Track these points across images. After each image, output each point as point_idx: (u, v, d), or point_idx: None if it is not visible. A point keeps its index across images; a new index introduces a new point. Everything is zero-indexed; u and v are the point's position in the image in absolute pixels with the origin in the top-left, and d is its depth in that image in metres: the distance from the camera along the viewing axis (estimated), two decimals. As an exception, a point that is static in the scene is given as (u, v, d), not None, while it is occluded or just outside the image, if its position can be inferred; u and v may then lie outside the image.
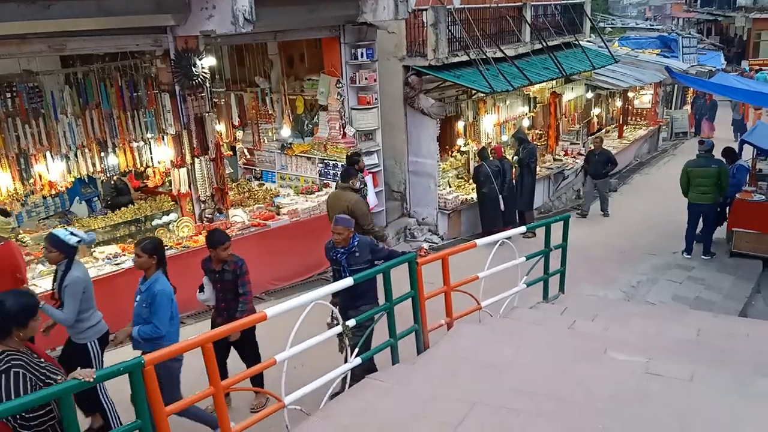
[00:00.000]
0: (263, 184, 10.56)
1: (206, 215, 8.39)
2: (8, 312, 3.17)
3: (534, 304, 6.67)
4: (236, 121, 10.43)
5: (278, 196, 9.75)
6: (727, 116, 19.42)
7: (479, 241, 6.04)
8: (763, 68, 25.44)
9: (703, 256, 9.67)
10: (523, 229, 6.77)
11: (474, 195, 10.90)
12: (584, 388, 4.37)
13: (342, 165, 9.53)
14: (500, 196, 10.18)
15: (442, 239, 10.72)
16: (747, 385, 4.35)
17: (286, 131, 10.45)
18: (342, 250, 5.40)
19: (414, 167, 10.91)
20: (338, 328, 4.59)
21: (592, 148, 12.59)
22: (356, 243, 5.41)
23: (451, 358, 5.05)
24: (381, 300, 5.16)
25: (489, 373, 4.67)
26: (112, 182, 8.63)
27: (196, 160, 8.14)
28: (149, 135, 7.96)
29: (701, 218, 9.64)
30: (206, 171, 8.24)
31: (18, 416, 3.09)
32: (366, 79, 9.69)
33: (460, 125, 11.77)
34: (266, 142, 10.85)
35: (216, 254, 5.33)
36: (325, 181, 9.98)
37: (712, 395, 4.23)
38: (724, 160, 9.98)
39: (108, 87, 7.63)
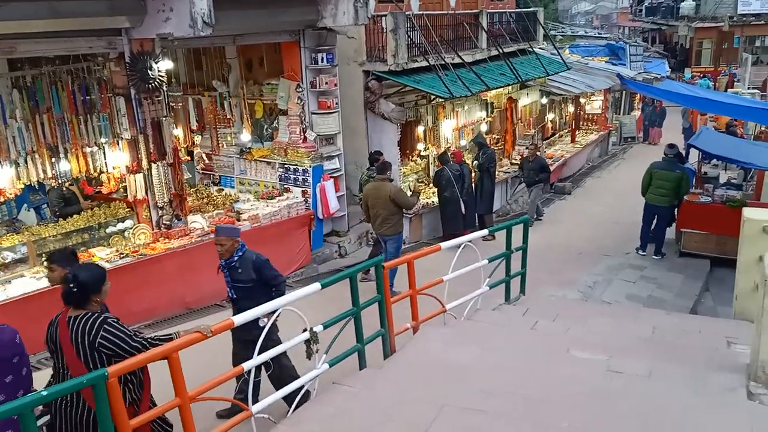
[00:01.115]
0: (222, 190, 10.40)
1: (164, 222, 8.20)
2: (84, 282, 3.60)
3: (496, 305, 6.77)
4: (194, 126, 10.26)
5: (238, 201, 9.62)
6: (677, 122, 20.16)
7: (444, 245, 6.09)
8: (705, 75, 26.54)
9: (654, 256, 10.02)
10: (485, 232, 6.87)
11: (435, 199, 11.01)
12: (549, 387, 4.45)
13: (303, 169, 9.56)
14: (461, 200, 10.31)
15: (404, 243, 10.76)
16: (702, 380, 4.51)
17: (245, 136, 10.34)
18: (223, 262, 5.10)
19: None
20: (306, 335, 4.55)
21: (526, 155, 12.57)
22: (237, 258, 5.06)
23: (418, 361, 5.07)
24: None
25: (456, 375, 4.71)
26: (64, 190, 8.34)
27: (153, 166, 7.95)
28: (103, 140, 7.73)
29: (655, 219, 9.99)
30: (164, 176, 8.05)
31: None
32: (326, 83, 9.68)
33: (420, 130, 11.88)
34: (225, 146, 10.70)
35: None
36: (285, 186, 9.90)
37: (671, 391, 4.36)
38: (684, 167, 10.34)
39: (60, 90, 7.38)
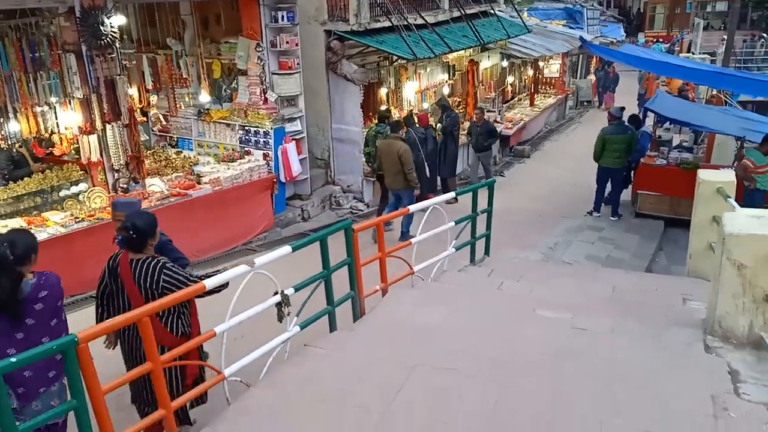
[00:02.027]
0: (181, 152, 10.10)
1: (121, 185, 7.94)
2: (142, 229, 3.96)
3: (462, 267, 6.86)
4: (149, 86, 9.87)
5: (198, 164, 9.37)
6: (630, 88, 20.49)
7: (411, 208, 6.10)
8: (658, 40, 27.00)
9: (611, 218, 10.31)
10: (451, 195, 6.90)
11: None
12: (517, 346, 4.55)
13: (264, 131, 9.36)
14: (426, 163, 10.30)
15: (368, 206, 10.74)
16: (662, 336, 4.68)
17: (203, 96, 10.02)
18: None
19: (338, 134, 10.81)
20: (277, 298, 4.52)
21: (474, 119, 12.15)
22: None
23: (387, 323, 5.10)
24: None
25: (425, 336, 4.76)
26: (13, 152, 7.95)
27: (108, 126, 7.64)
28: (54, 99, 7.39)
29: (610, 181, 10.25)
30: (119, 138, 7.76)
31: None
32: (287, 43, 9.42)
33: (382, 92, 11.74)
34: (182, 107, 10.36)
35: None
36: (246, 149, 9.68)
37: (633, 346, 4.52)
38: (631, 127, 10.60)
39: (6, 47, 6.97)
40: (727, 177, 6.68)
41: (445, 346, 4.58)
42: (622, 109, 10.64)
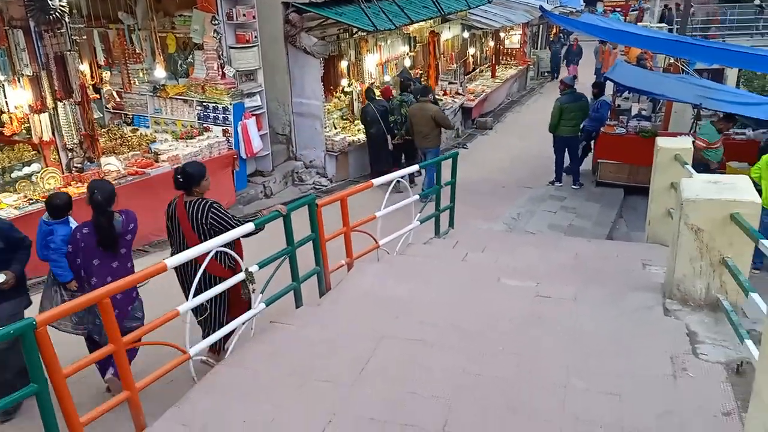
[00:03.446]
0: (137, 130, 9.81)
1: (75, 164, 7.68)
2: (189, 174, 4.60)
3: (427, 239, 6.87)
4: (102, 61, 9.51)
5: (155, 142, 9.11)
6: (593, 60, 20.51)
7: (375, 181, 6.05)
8: (616, 9, 27.21)
9: (572, 186, 10.46)
10: (416, 167, 6.87)
11: (361, 136, 10.88)
12: (483, 315, 4.60)
13: (223, 107, 9.17)
14: (388, 137, 10.23)
15: (331, 181, 10.66)
16: (623, 300, 4.79)
17: (158, 72, 9.70)
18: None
19: (299, 108, 10.62)
20: (241, 275, 4.45)
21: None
22: None
23: (354, 297, 5.10)
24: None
25: (392, 308, 4.77)
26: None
27: (59, 104, 7.36)
28: (2, 77, 7.05)
29: (567, 150, 10.38)
30: (71, 116, 7.48)
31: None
32: (244, 15, 9.17)
33: (343, 65, 11.56)
34: (137, 83, 10.04)
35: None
36: (205, 125, 9.45)
37: (596, 311, 4.62)
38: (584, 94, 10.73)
39: (-53, 21, 6.60)
40: (685, 144, 6.80)
41: (411, 318, 4.60)
42: (574, 77, 10.78)
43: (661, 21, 22.69)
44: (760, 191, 6.43)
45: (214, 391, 3.83)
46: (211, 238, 4.40)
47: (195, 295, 4.09)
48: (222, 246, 4.24)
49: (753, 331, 3.94)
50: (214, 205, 4.61)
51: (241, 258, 4.69)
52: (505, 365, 3.92)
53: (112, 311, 3.45)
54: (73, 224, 4.73)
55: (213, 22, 8.99)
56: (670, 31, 18.91)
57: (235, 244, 4.66)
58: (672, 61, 13.59)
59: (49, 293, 4.73)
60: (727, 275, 4.28)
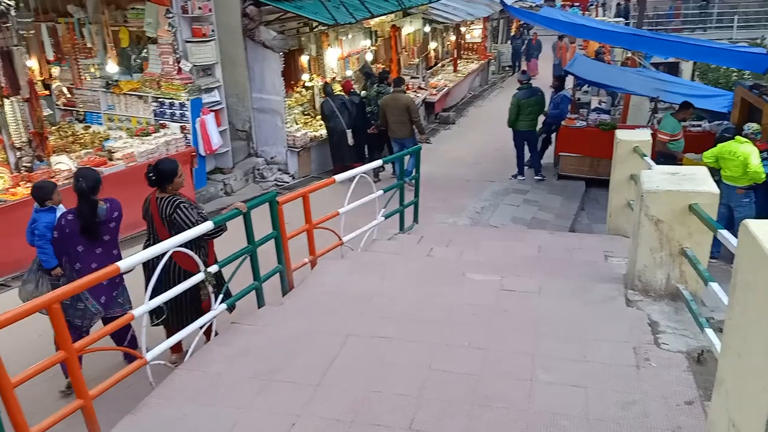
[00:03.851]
0: (89, 127, 9.48)
1: (24, 164, 7.37)
2: (161, 172, 4.62)
3: (392, 235, 6.82)
4: (51, 56, 9.15)
5: (108, 139, 8.82)
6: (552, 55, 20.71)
7: (338, 177, 5.96)
8: (574, 4, 27.57)
9: (535, 177, 10.55)
10: (379, 162, 6.80)
11: (323, 131, 10.75)
12: (448, 310, 4.56)
13: (180, 103, 8.91)
14: (348, 131, 10.13)
15: (293, 178, 10.51)
16: (586, 292, 4.81)
17: (111, 67, 9.38)
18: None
19: (259, 104, 10.43)
20: (200, 276, 4.32)
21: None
22: None
23: (318, 295, 5.01)
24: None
25: (357, 305, 4.71)
26: None
27: (6, 102, 7.06)
28: (-58, 72, 6.71)
29: (526, 144, 10.45)
30: (19, 113, 7.19)
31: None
32: (200, 8, 8.94)
33: (303, 59, 11.40)
34: (88, 79, 9.69)
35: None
36: (161, 122, 9.19)
37: (560, 303, 4.62)
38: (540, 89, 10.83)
39: None
40: (643, 136, 6.90)
41: (376, 315, 4.55)
42: (524, 72, 10.93)
43: (618, 16, 23.09)
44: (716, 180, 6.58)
45: (173, 397, 3.71)
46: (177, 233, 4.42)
47: (165, 290, 4.09)
48: (184, 245, 4.16)
49: (712, 320, 4.00)
50: (183, 204, 4.62)
51: (213, 255, 4.76)
52: (471, 360, 3.88)
53: (62, 318, 3.28)
54: (61, 211, 4.91)
55: (167, 15, 8.72)
56: (627, 25, 19.24)
57: (208, 244, 4.76)
58: (629, 54, 13.83)
59: (33, 277, 4.97)
60: (686, 265, 4.33)
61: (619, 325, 4.22)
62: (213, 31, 9.20)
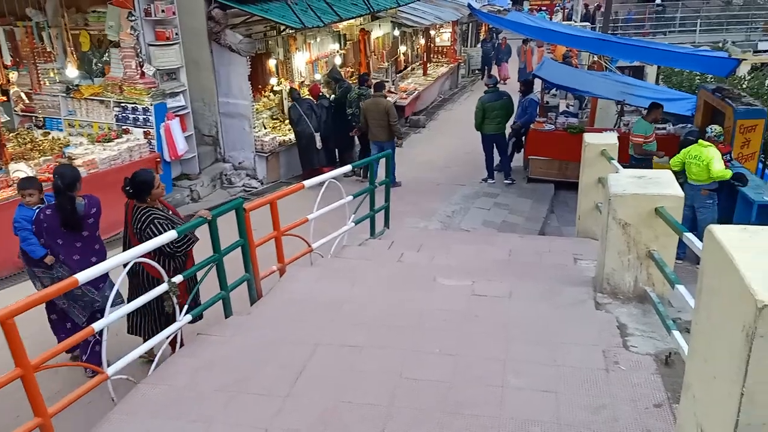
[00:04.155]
0: (49, 133, 9.21)
1: (-20, 172, 7.13)
2: (137, 184, 4.61)
3: (363, 240, 6.76)
4: (8, 61, 8.88)
5: (69, 146, 8.58)
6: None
7: (307, 183, 5.87)
8: (542, 9, 27.96)
9: (505, 182, 10.59)
10: (348, 168, 6.73)
11: (292, 136, 10.65)
12: (419, 316, 4.52)
13: (144, 108, 8.75)
14: (316, 135, 10.05)
15: (262, 183, 10.37)
16: (556, 295, 4.82)
17: (71, 71, 9.13)
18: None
19: (225, 108, 10.27)
20: (164, 286, 4.19)
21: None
22: None
23: (287, 303, 4.93)
24: None
25: (327, 313, 4.64)
26: None
27: (-40, 107, 6.80)
28: None
29: (494, 147, 10.50)
30: (-26, 120, 6.93)
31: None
32: (163, 11, 8.77)
33: (271, 63, 11.29)
34: (48, 84, 9.43)
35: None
36: (124, 127, 8.98)
37: (530, 307, 4.62)
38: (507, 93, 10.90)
39: None
40: (611, 140, 6.97)
41: (346, 322, 4.49)
42: (490, 76, 11.00)
43: (584, 20, 23.46)
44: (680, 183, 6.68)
45: (136, 412, 3.59)
46: None
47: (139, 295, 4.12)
48: (153, 254, 4.22)
49: (679, 320, 4.04)
50: (157, 219, 4.60)
51: (191, 260, 4.80)
52: (443, 367, 3.85)
53: (16, 332, 3.14)
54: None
55: (130, 18, 8.54)
56: (593, 29, 19.56)
57: (187, 257, 4.82)
58: (596, 58, 14.04)
59: (33, 274, 5.21)
60: (653, 267, 4.36)
61: (589, 328, 4.23)
62: (177, 34, 9.04)
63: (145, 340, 4.44)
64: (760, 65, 20.15)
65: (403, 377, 3.75)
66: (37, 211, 4.94)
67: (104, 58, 9.26)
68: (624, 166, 6.12)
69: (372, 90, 10.30)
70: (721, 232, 1.96)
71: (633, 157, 8.81)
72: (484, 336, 4.21)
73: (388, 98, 10.76)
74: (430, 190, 10.41)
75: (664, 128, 10.30)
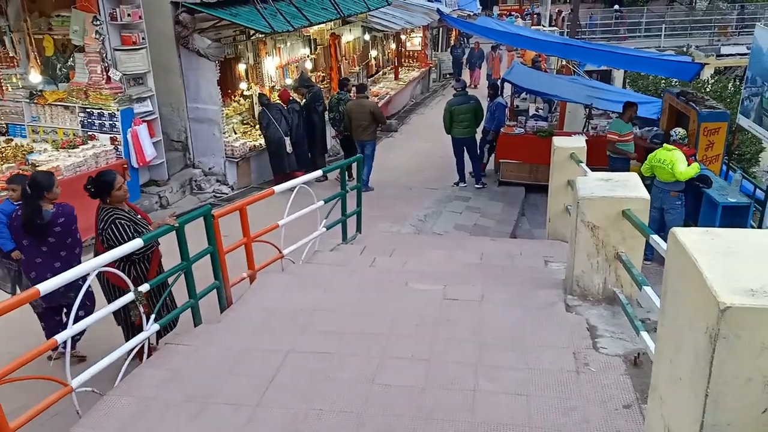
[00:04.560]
0: (11, 140, 8.98)
1: (-62, 180, 6.91)
2: (97, 184, 4.57)
3: (334, 246, 6.72)
4: (-32, 66, 8.63)
5: (33, 152, 8.36)
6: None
7: (277, 188, 5.82)
8: (511, 13, 28.28)
9: (476, 186, 10.65)
10: (319, 173, 6.69)
11: (262, 141, 10.57)
12: (391, 321, 4.50)
13: (110, 113, 8.60)
14: (286, 139, 9.99)
15: (233, 189, 10.26)
16: (527, 298, 4.84)
17: (34, 76, 8.91)
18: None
19: (195, 114, 10.14)
20: (130, 296, 4.10)
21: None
22: None
23: (257, 310, 4.86)
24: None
25: (298, 320, 4.59)
26: None
27: None
28: None
29: (465, 151, 10.56)
30: (-68, 127, 6.71)
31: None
32: (129, 15, 8.62)
33: (241, 68, 11.18)
34: (10, 89, 9.18)
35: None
36: (90, 133, 8.80)
37: (502, 310, 4.63)
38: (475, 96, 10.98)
39: None
40: (579, 143, 7.06)
41: (318, 329, 4.45)
42: (458, 80, 11.15)
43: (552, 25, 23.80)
44: (647, 186, 6.79)
45: (101, 425, 3.50)
46: (108, 246, 4.41)
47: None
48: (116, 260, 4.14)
49: (648, 320, 4.09)
50: (119, 220, 4.55)
51: (154, 272, 4.71)
52: (415, 372, 3.83)
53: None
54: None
55: (95, 22, 8.37)
56: (561, 34, 19.83)
57: (152, 257, 4.71)
58: (564, 63, 14.23)
59: (1, 262, 5.34)
60: (622, 269, 4.41)
61: (559, 330, 4.26)
62: (144, 38, 8.89)
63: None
64: (723, 69, 20.71)
65: (375, 383, 3.73)
66: (17, 207, 5.06)
67: (69, 63, 9.06)
68: (607, 168, 6.19)
69: (354, 92, 10.59)
70: (684, 234, 1.98)
71: (611, 158, 8.93)
72: (456, 340, 4.21)
73: (370, 99, 11.23)
74: (402, 194, 10.42)
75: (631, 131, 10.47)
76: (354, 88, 10.76)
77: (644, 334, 3.72)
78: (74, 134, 8.82)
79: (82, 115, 8.81)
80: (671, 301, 2.04)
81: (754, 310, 1.62)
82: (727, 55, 21.82)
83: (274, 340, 4.30)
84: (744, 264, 1.80)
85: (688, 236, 1.96)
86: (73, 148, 8.39)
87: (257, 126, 10.95)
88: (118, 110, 8.57)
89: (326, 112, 10.96)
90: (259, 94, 10.63)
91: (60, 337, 3.60)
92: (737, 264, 1.80)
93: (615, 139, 8.86)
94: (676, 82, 12.46)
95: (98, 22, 8.39)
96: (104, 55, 8.53)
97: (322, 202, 6.32)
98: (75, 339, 5.00)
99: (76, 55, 8.83)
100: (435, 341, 4.21)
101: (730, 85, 15.44)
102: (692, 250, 1.87)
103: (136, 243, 4.10)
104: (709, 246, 1.90)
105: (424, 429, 3.32)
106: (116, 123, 8.61)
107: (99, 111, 8.66)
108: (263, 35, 10.55)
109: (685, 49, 21.35)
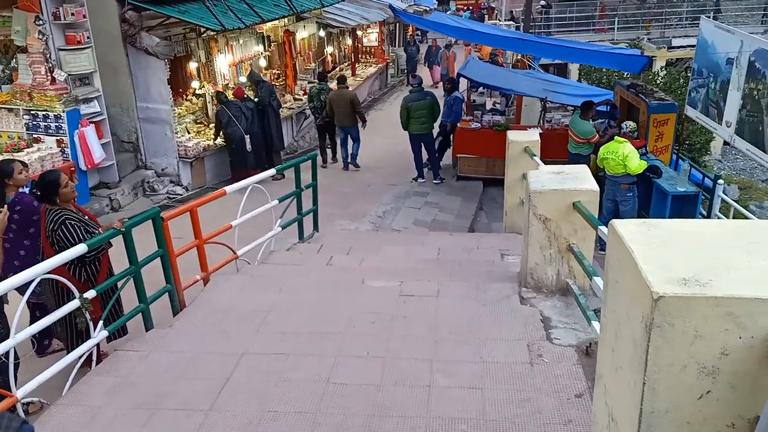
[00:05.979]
0: (-48, 145, 8.62)
1: None
2: (42, 185, 4.41)
3: (291, 245, 6.65)
4: None
5: (-25, 157, 8.05)
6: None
7: (228, 188, 5.72)
8: (468, 8, 28.47)
9: (434, 181, 10.67)
10: (272, 171, 6.61)
11: (218, 140, 10.39)
12: (347, 319, 4.48)
13: (55, 115, 8.37)
14: (246, 137, 9.86)
15: (187, 190, 10.05)
16: (483, 292, 4.86)
17: (-25, 78, 8.59)
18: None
19: (145, 114, 9.88)
20: (75, 303, 3.97)
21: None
22: None
23: (210, 313, 4.77)
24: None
25: (252, 321, 4.53)
26: None
27: None
28: None
29: (422, 146, 10.59)
30: None
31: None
32: (73, 14, 8.36)
33: (192, 66, 10.95)
34: (-50, 92, 8.81)
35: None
36: (35, 135, 8.50)
37: (458, 305, 4.65)
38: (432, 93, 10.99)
39: None
40: (533, 137, 7.15)
41: (273, 330, 4.41)
42: (414, 76, 11.28)
43: (510, 19, 24.05)
44: (600, 178, 6.91)
45: (47, 438, 3.38)
46: (59, 248, 4.27)
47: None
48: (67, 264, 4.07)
49: (599, 310, 4.15)
50: (69, 220, 4.40)
51: (104, 274, 4.56)
52: (370, 370, 3.82)
53: None
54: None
55: (37, 22, 8.09)
56: (517, 29, 20.04)
57: (101, 259, 4.54)
58: (520, 57, 14.40)
59: None
60: (574, 261, 4.47)
61: (514, 323, 4.30)
62: (89, 38, 8.63)
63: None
64: (674, 60, 21.24)
65: (330, 383, 3.71)
66: None
67: (12, 65, 8.76)
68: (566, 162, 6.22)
69: (336, 83, 11.59)
70: (622, 226, 2.00)
71: (571, 154, 8.85)
72: (412, 337, 4.21)
73: (349, 89, 12.33)
74: (361, 190, 10.39)
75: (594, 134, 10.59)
76: (336, 80, 11.81)
77: (596, 323, 3.79)
78: (19, 137, 8.52)
79: (26, 117, 8.51)
80: (612, 292, 2.07)
81: (687, 299, 1.64)
82: (679, 47, 22.36)
83: (228, 343, 4.24)
84: (678, 254, 1.83)
85: (626, 228, 1.98)
86: (18, 152, 8.09)
87: (211, 125, 10.78)
88: (63, 112, 8.30)
89: (281, 109, 10.93)
90: (217, 92, 10.44)
91: (3, 345, 3.47)
92: (672, 254, 1.83)
93: (583, 142, 8.65)
94: (627, 74, 12.71)
95: (41, 22, 8.11)
96: (48, 55, 8.25)
97: (276, 201, 6.24)
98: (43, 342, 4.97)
99: (19, 56, 8.54)
100: (391, 338, 4.20)
101: (680, 76, 15.83)
102: (629, 241, 1.89)
103: (80, 248, 3.98)
104: (645, 237, 1.93)
105: (379, 426, 3.31)
106: (62, 125, 8.35)
107: (44, 113, 8.38)
108: (215, 33, 10.36)
109: (636, 42, 21.79)
